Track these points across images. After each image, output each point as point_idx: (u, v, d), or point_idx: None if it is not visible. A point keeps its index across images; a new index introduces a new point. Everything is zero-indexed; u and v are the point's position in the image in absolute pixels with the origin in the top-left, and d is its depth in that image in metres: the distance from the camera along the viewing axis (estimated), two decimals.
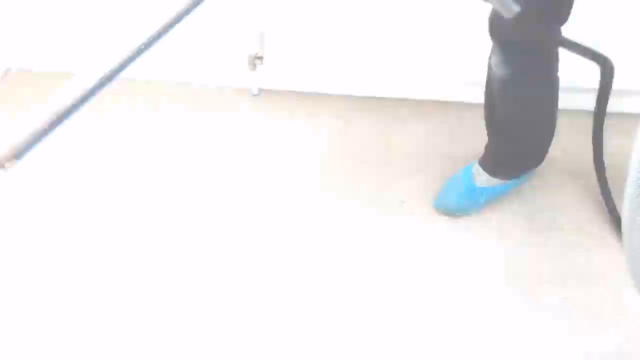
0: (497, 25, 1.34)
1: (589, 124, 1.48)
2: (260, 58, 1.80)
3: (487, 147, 1.59)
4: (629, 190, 0.81)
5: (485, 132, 1.58)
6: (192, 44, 1.86)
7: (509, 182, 1.59)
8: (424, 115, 1.84)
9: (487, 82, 1.48)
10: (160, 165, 1.73)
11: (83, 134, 1.83)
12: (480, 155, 1.61)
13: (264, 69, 1.83)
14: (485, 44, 1.64)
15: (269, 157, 1.75)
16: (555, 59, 1.42)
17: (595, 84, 1.39)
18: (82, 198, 1.65)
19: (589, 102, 1.46)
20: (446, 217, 1.59)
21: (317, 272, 1.49)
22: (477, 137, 1.77)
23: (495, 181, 1.57)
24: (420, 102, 1.87)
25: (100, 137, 1.82)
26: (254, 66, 1.82)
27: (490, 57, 1.40)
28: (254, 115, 1.86)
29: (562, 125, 1.58)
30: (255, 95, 1.92)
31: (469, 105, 1.86)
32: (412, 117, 1.83)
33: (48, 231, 1.57)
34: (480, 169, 1.57)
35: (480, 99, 1.85)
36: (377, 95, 1.89)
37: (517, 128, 1.50)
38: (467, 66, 1.71)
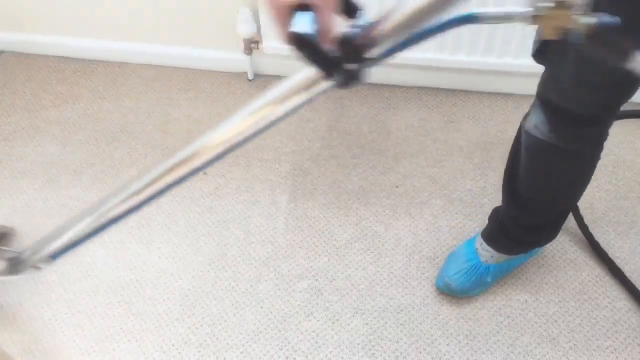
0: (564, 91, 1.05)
1: None
2: (256, 43, 1.81)
3: (492, 218, 1.40)
4: None
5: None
6: (189, 29, 1.86)
7: (516, 257, 1.43)
8: (418, 101, 1.86)
9: (515, 145, 1.25)
10: (155, 150, 1.74)
11: (82, 119, 1.84)
12: (483, 227, 1.43)
13: (260, 54, 1.83)
14: (479, 34, 1.66)
15: (264, 143, 1.76)
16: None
17: None
18: (86, 181, 1.67)
19: None
20: (441, 202, 1.61)
21: (312, 256, 1.51)
22: (469, 123, 1.80)
23: (501, 257, 1.39)
24: (414, 89, 1.89)
25: (97, 119, 1.82)
26: (250, 51, 1.82)
27: (528, 118, 1.16)
28: (249, 100, 1.86)
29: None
30: (250, 80, 1.93)
31: (463, 92, 1.88)
32: (407, 104, 1.85)
33: None
34: (485, 244, 1.39)
35: (475, 87, 1.87)
36: (372, 82, 1.91)
37: (542, 201, 1.28)
38: (461, 55, 1.73)
